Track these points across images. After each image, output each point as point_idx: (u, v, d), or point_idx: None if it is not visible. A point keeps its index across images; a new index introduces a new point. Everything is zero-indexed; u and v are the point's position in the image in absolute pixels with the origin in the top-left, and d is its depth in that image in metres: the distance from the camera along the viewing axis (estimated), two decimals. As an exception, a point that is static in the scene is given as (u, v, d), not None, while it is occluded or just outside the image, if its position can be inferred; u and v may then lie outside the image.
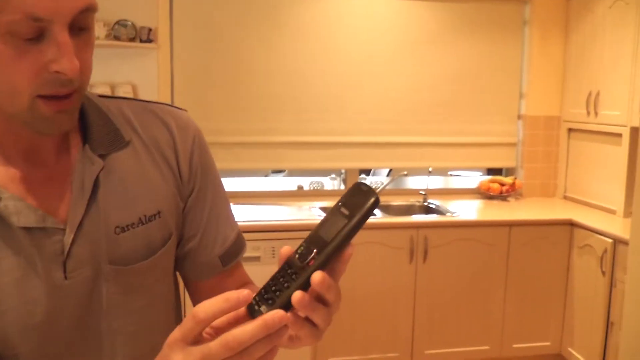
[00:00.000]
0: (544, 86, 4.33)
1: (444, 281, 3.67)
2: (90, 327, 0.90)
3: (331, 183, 4.46)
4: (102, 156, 0.91)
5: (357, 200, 0.71)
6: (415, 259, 3.58)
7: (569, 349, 3.78)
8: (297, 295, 0.69)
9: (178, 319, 1.08)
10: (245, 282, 1.10)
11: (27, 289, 0.83)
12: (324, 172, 4.56)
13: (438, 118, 4.26)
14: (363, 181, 0.74)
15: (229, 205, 1.09)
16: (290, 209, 3.74)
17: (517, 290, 3.78)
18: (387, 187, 4.18)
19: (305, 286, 0.70)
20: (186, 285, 1.10)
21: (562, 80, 4.35)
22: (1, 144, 0.85)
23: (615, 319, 3.36)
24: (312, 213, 3.67)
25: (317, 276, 0.69)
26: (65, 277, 0.86)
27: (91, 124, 0.91)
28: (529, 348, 3.86)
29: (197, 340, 0.69)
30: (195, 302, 1.07)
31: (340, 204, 0.73)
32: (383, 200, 4.08)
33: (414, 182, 4.79)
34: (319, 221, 0.74)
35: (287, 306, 0.70)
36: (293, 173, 5.36)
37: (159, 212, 0.95)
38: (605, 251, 3.39)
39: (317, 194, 4.27)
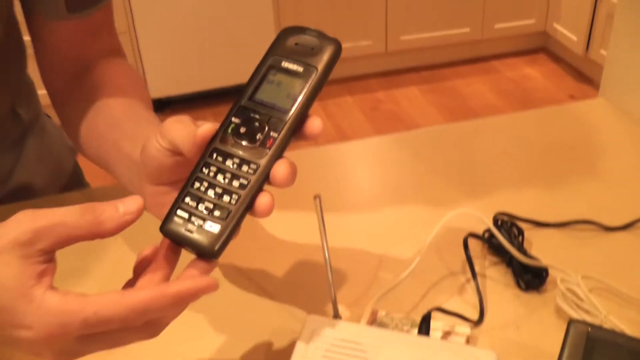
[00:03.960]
0: None
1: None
2: None
3: None
4: None
5: (308, 49, 0.50)
6: None
7: (555, 25, 3.55)
8: (266, 200, 0.48)
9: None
10: (113, 50, 0.81)
11: None
12: None
13: None
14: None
15: None
16: None
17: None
18: None
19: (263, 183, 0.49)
20: (28, 24, 0.80)
21: None
22: None
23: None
24: None
25: (281, 167, 0.48)
26: None
27: None
28: (512, 28, 3.65)
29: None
30: (37, 52, 0.79)
31: (277, 57, 0.51)
32: None
33: None
34: (245, 83, 0.51)
35: (244, 214, 0.48)
36: None
37: None
38: None
39: None
